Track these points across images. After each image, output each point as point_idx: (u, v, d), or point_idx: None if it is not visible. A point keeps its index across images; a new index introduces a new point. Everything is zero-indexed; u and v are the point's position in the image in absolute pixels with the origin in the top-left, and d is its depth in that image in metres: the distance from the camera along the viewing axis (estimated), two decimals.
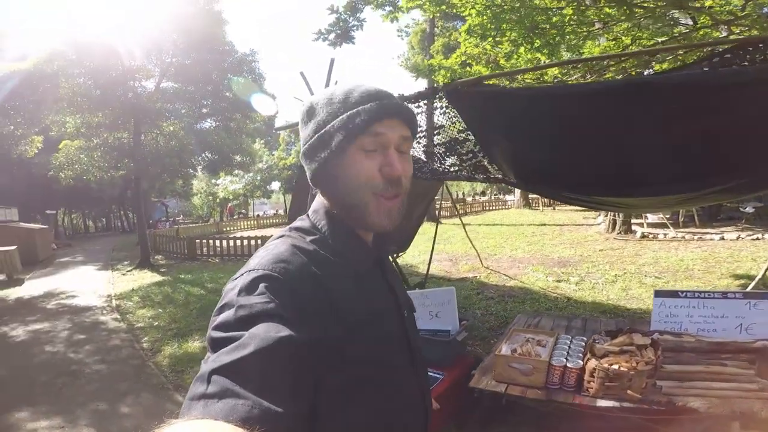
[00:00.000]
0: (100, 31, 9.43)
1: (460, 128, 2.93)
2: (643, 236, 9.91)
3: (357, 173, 0.68)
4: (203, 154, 13.41)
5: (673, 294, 2.19)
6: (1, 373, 4.37)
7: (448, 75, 6.18)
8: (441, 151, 3.37)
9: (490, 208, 21.14)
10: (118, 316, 6.43)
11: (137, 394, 3.75)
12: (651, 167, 2.34)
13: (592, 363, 1.84)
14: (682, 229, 9.87)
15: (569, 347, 2.18)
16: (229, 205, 32.56)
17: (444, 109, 2.86)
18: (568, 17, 4.89)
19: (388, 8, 4.65)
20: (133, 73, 10.23)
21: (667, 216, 10.43)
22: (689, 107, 1.87)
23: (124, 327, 5.88)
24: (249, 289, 0.58)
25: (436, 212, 7.68)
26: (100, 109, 10.11)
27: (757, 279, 4.89)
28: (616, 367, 1.74)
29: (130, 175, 10.85)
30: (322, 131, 0.69)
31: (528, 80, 5.29)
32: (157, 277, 9.61)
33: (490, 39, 4.59)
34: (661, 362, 1.84)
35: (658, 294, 2.22)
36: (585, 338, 2.16)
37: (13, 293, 8.53)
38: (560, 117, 2.25)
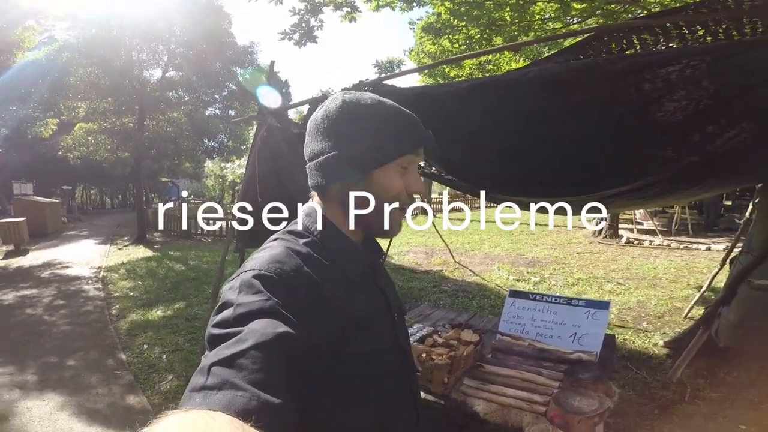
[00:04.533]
0: (106, 24, 9.87)
1: None
2: (628, 242, 9.82)
3: (390, 187, 0.74)
4: (203, 140, 13.90)
5: (525, 295, 2.32)
6: None
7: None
8: None
9: (492, 205, 20.91)
10: (100, 286, 6.88)
11: (87, 351, 4.16)
12: (534, 167, 2.37)
13: None
14: (672, 238, 9.72)
15: (411, 334, 2.30)
16: (237, 187, 33.41)
17: None
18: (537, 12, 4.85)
19: (345, 9, 4.79)
20: (140, 63, 10.67)
21: (658, 223, 10.29)
22: (546, 106, 1.80)
23: (102, 296, 6.30)
24: (247, 288, 0.59)
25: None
26: (108, 96, 10.64)
27: (703, 289, 4.91)
28: (423, 355, 1.87)
29: (132, 157, 11.39)
30: (369, 145, 0.73)
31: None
32: (148, 253, 10.10)
33: (446, 37, 4.67)
34: (475, 361, 1.90)
35: (512, 294, 2.34)
36: (433, 328, 2.28)
37: (15, 262, 9.11)
38: (445, 114, 2.31)
